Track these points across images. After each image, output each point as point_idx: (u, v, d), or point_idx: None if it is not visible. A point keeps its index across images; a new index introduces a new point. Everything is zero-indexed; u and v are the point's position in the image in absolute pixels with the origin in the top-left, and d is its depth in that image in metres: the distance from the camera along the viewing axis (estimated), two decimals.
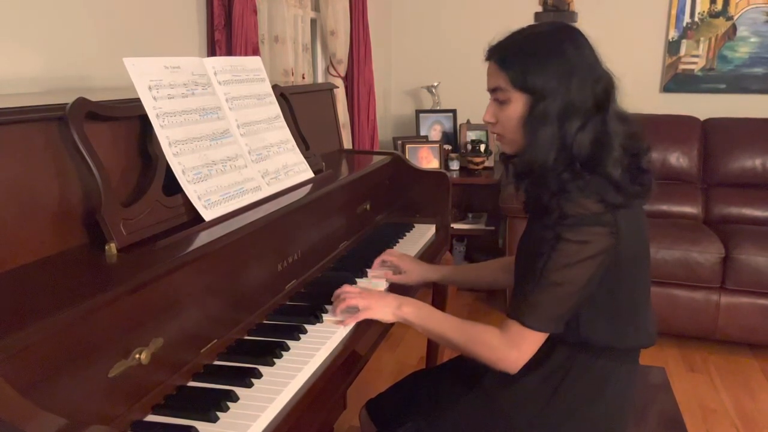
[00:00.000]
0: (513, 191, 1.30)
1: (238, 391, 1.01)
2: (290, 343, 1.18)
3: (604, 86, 1.17)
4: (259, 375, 1.06)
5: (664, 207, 3.26)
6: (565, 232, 1.13)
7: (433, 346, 2.24)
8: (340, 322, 1.28)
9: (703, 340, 2.96)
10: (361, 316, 1.29)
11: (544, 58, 1.16)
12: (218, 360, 1.12)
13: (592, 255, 1.13)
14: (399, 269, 1.60)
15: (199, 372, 1.07)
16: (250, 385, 1.03)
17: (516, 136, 1.22)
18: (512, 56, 1.19)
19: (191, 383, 1.05)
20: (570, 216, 1.12)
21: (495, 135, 1.28)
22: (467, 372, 1.40)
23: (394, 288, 1.54)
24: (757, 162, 3.27)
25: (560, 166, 1.15)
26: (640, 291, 1.25)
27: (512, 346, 1.18)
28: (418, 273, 1.60)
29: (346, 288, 1.34)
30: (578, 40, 1.19)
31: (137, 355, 0.91)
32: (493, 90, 1.23)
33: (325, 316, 1.30)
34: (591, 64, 1.17)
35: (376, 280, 1.54)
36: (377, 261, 1.62)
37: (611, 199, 1.13)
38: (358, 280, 1.54)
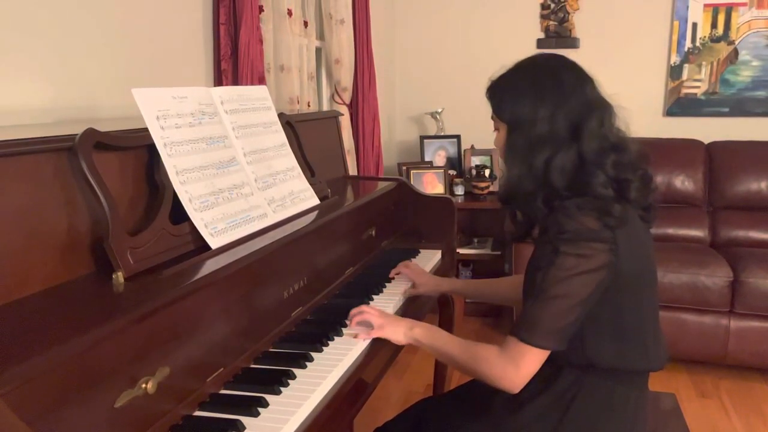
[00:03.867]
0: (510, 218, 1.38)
1: (245, 420, 1.00)
2: (297, 371, 1.17)
3: (578, 116, 1.19)
4: (265, 404, 1.05)
5: (671, 230, 3.25)
6: (563, 246, 1.14)
7: (440, 373, 2.22)
8: (355, 336, 1.33)
9: (713, 365, 2.93)
10: (374, 334, 1.34)
11: (517, 90, 1.24)
12: (225, 389, 1.11)
13: (591, 269, 1.14)
14: (413, 282, 1.70)
15: (205, 401, 1.06)
16: (256, 415, 1.02)
17: None
18: (494, 88, 1.29)
19: (197, 413, 1.04)
20: (568, 231, 1.14)
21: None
22: (475, 399, 1.39)
23: (408, 309, 1.59)
24: (763, 185, 3.26)
25: (540, 193, 1.20)
26: (647, 312, 1.25)
27: (510, 363, 1.18)
28: (432, 284, 1.71)
29: (364, 307, 1.40)
30: (558, 72, 1.23)
31: (143, 385, 0.90)
32: (492, 118, 1.32)
33: (336, 338, 1.32)
34: (566, 96, 1.20)
35: (385, 302, 1.58)
36: (394, 271, 1.73)
37: (607, 219, 1.15)
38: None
